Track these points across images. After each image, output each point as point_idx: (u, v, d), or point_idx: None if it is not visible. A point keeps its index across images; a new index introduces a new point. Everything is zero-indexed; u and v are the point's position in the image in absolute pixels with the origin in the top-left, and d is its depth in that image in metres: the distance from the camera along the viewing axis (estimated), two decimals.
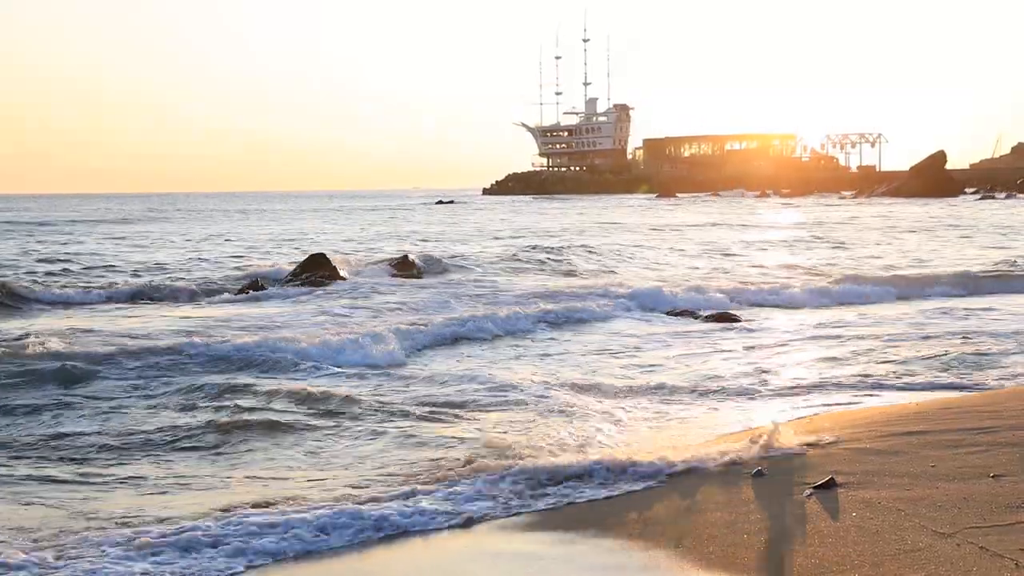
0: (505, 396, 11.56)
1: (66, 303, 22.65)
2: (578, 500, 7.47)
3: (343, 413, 10.74)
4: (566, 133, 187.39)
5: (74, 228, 61.70)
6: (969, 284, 24.75)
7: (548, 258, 33.18)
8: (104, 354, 14.08)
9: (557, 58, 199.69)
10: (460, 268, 29.86)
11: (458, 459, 8.66)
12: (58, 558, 6.33)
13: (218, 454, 9.28)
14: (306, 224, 69.74)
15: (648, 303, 21.36)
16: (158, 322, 18.71)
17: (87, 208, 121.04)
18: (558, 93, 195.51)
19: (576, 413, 10.58)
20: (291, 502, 7.50)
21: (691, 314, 19.96)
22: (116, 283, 26.20)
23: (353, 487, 7.98)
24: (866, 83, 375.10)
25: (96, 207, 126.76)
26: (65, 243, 45.72)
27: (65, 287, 25.15)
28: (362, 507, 7.23)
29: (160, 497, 7.86)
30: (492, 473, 8.00)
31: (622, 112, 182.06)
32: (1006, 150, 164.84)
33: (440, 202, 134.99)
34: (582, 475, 7.91)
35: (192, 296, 23.77)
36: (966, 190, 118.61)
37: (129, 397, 11.88)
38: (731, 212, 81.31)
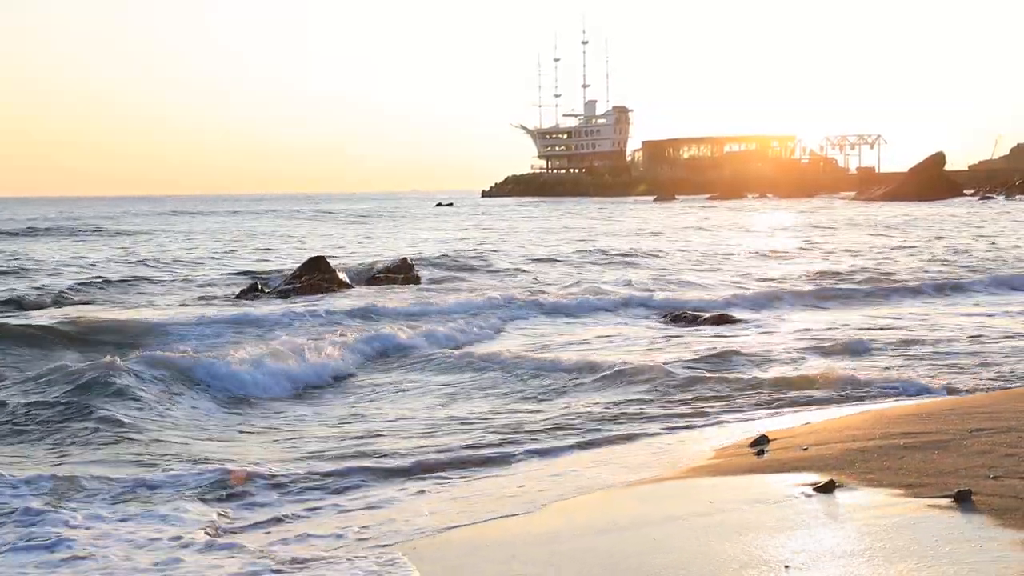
0: None
1: None
2: None
3: None
4: (565, 135, 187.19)
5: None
6: None
7: None
8: None
9: (556, 60, 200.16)
10: None
11: None
12: None
13: None
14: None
15: None
16: None
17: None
18: (557, 95, 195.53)
19: None
20: None
21: None
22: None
23: None
24: (866, 90, 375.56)
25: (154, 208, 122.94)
26: None
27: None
28: None
29: None
30: None
31: (621, 114, 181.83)
32: (1005, 151, 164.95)
33: (440, 204, 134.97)
34: None
35: None
36: (965, 191, 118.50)
37: None
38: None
